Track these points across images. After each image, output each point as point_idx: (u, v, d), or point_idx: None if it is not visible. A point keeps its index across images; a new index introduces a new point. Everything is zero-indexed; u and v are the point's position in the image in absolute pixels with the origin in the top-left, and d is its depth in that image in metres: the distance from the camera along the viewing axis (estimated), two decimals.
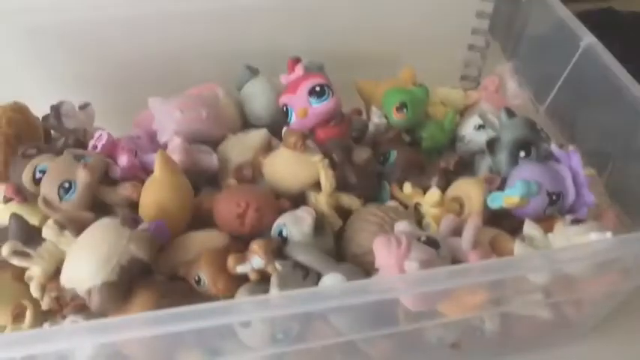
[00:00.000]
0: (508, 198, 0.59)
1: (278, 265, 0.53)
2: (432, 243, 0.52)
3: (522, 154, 0.64)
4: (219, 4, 0.77)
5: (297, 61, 0.71)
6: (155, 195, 0.58)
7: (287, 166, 0.63)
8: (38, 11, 0.74)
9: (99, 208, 0.60)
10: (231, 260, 0.54)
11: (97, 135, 0.64)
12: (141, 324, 0.43)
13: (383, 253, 0.51)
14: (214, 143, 0.70)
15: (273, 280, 0.53)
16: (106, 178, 0.62)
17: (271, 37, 0.81)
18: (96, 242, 0.52)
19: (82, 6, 0.75)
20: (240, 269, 0.54)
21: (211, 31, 0.79)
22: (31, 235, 0.55)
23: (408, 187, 0.63)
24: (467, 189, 0.62)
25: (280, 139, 0.67)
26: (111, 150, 0.64)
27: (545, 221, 0.58)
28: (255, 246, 0.54)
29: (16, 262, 0.52)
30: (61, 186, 0.58)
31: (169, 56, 0.80)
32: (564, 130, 0.77)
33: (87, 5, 0.75)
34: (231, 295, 0.55)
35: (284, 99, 0.70)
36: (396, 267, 0.50)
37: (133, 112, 0.76)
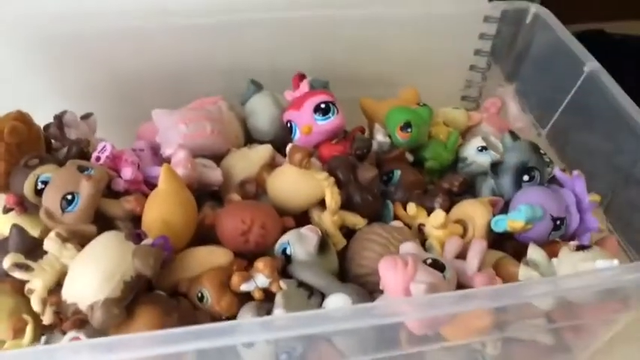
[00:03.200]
0: (512, 222, 0.59)
1: (283, 284, 0.53)
2: (437, 266, 0.52)
3: (526, 178, 0.64)
4: (226, 19, 0.76)
5: (302, 77, 0.71)
6: (159, 209, 0.57)
7: (292, 183, 0.63)
8: (43, 22, 0.73)
9: (101, 221, 0.59)
10: (235, 278, 0.53)
11: (100, 146, 0.63)
12: (144, 343, 0.42)
13: (389, 274, 0.51)
14: (217, 158, 0.69)
15: (278, 299, 0.52)
16: (108, 191, 0.62)
17: (276, 55, 0.81)
18: (99, 257, 0.51)
19: (87, 17, 0.74)
20: (245, 287, 0.54)
21: (217, 45, 0.79)
22: (32, 247, 0.54)
23: (412, 208, 0.63)
24: (471, 211, 0.62)
25: (284, 155, 0.66)
26: (114, 162, 0.63)
27: (549, 246, 0.59)
28: (261, 264, 0.53)
29: (17, 274, 0.51)
30: (63, 198, 0.56)
31: (174, 69, 0.79)
32: (565, 155, 0.78)
33: (92, 17, 0.75)
34: (234, 313, 0.54)
35: (288, 115, 0.70)
36: (401, 289, 0.50)
37: (136, 124, 0.75)
